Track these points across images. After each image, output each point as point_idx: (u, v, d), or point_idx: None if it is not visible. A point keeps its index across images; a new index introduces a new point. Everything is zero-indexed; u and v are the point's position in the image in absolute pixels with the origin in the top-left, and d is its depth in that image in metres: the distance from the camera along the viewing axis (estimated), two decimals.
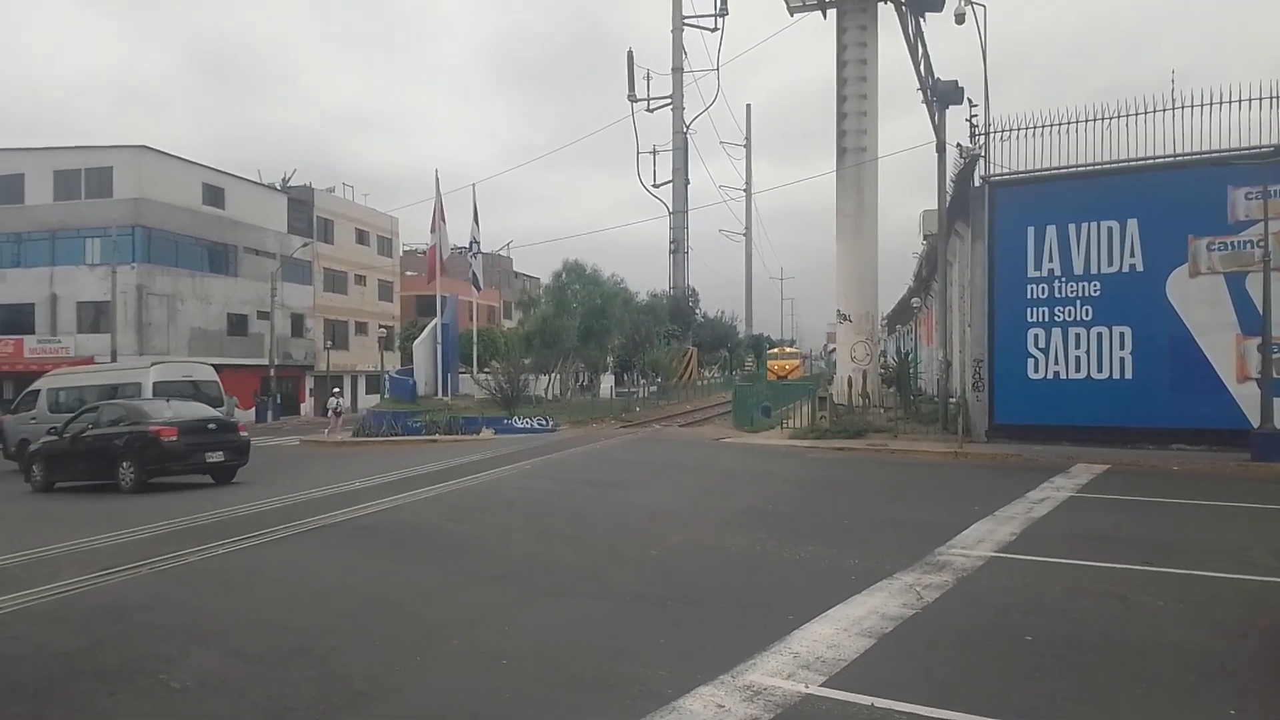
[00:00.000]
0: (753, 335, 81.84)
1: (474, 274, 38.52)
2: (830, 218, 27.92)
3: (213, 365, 25.05)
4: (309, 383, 48.46)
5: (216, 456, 16.06)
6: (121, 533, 10.41)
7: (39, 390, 23.71)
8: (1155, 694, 4.79)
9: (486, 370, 36.39)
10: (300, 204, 49.05)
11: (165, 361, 24.67)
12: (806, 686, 4.88)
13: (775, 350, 67.81)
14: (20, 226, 39.14)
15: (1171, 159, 16.80)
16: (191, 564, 8.56)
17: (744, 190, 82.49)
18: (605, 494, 13.29)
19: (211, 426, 16.44)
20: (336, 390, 34.50)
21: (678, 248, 51.17)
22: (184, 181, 40.77)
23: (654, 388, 44.89)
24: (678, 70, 50.20)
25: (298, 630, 6.24)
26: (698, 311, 56.16)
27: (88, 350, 35.59)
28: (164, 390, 20.51)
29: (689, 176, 51.11)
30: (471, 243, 38.59)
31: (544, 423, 26.64)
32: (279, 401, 41.64)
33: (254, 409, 40.45)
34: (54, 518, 12.97)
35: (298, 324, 47.13)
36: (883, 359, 34.15)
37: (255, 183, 46.82)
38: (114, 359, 32.10)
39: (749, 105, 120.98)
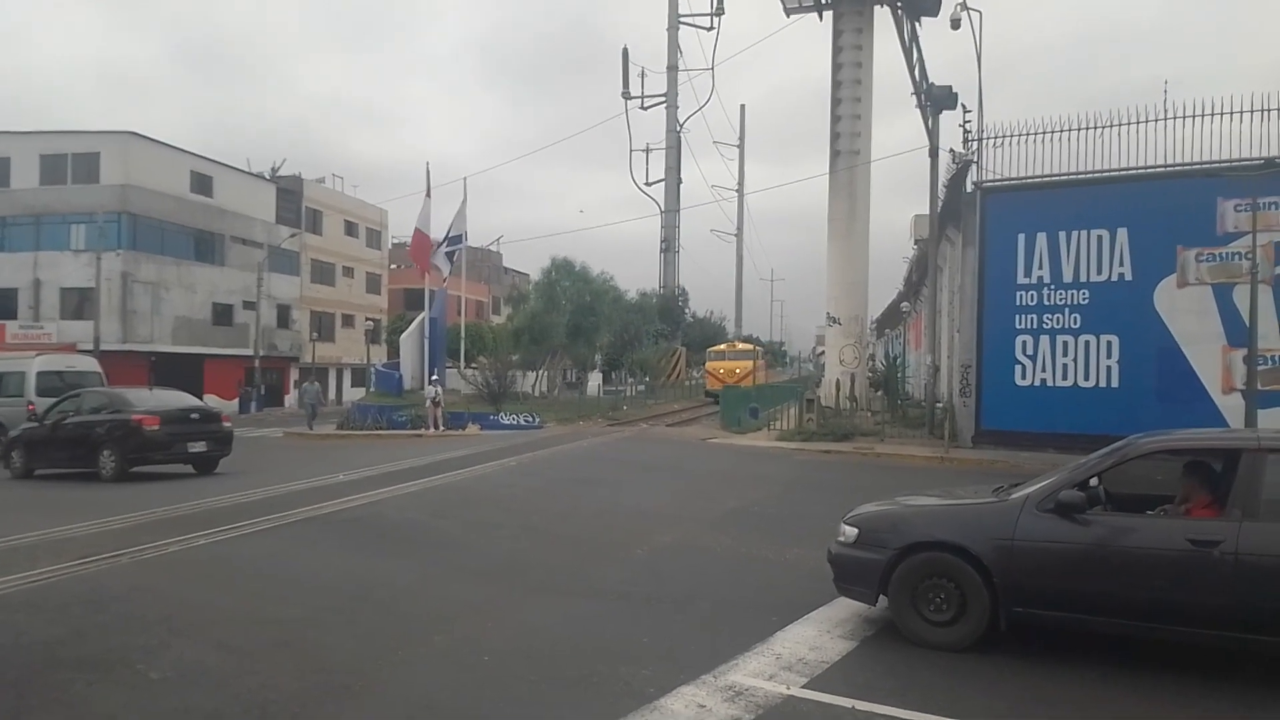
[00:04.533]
0: (742, 336, 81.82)
1: (453, 260, 37.95)
2: (822, 221, 28.02)
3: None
4: (294, 374, 48.17)
5: (199, 446, 15.95)
6: (101, 521, 10.29)
7: None
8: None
9: (474, 365, 36.26)
10: (289, 194, 48.69)
11: (48, 353, 25.22)
12: (788, 688, 4.88)
13: (722, 347, 47.17)
14: (4, 210, 38.68)
15: (1162, 169, 16.88)
16: (172, 554, 8.48)
17: (736, 190, 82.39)
18: (591, 492, 13.25)
19: (194, 416, 16.33)
20: (435, 378, 27.93)
21: (668, 246, 51.11)
22: (172, 169, 40.40)
23: (641, 387, 44.92)
24: (672, 69, 50.09)
25: (279, 622, 6.19)
26: (687, 311, 56.17)
27: (71, 337, 35.19)
28: (47, 380, 21.31)
29: (681, 175, 51.04)
30: (457, 235, 38.28)
31: (530, 419, 26.59)
32: (263, 393, 41.34)
33: (237, 400, 40.13)
34: (33, 505, 12.81)
35: (284, 315, 46.78)
36: (871, 363, 34.24)
37: (244, 171, 46.42)
38: (97, 346, 31.70)
39: (743, 105, 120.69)
